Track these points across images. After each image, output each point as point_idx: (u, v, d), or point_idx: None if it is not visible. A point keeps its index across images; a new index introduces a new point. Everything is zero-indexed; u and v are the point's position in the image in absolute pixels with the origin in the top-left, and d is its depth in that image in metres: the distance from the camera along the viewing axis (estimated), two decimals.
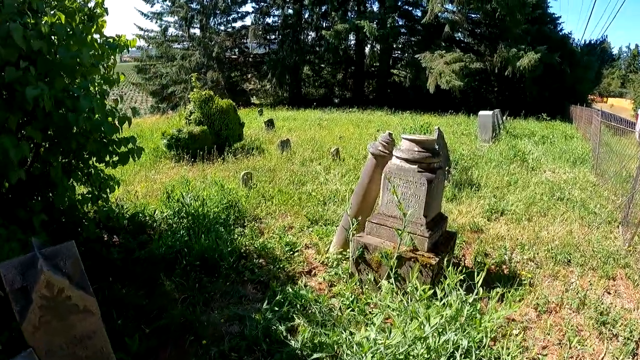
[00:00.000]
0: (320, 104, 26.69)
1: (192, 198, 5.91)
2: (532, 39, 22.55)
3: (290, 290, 3.89)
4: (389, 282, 3.53)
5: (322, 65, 33.87)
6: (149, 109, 35.31)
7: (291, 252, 5.01)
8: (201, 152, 9.61)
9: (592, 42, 27.02)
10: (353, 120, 18.51)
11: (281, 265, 4.66)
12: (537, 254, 5.15)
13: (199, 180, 7.63)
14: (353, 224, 4.00)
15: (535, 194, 7.45)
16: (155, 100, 34.98)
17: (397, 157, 3.81)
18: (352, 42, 32.74)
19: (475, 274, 3.00)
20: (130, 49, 3.98)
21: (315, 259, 4.94)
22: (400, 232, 3.56)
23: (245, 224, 5.73)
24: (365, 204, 4.32)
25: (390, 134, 4.10)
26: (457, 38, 28.96)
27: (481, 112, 13.54)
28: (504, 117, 17.88)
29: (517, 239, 5.57)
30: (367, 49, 32.54)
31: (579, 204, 7.05)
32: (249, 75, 34.93)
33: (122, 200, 6.23)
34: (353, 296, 3.91)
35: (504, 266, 4.89)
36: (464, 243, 5.39)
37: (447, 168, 7.82)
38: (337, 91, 34.11)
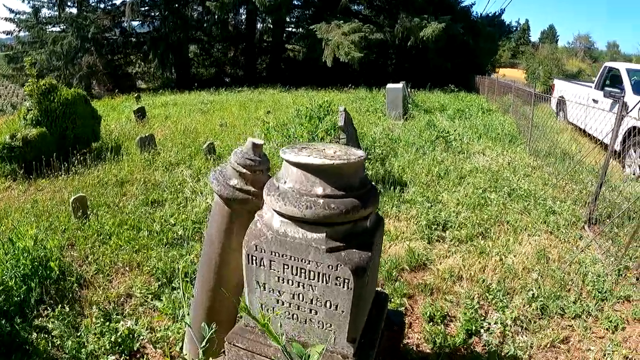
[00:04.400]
0: (211, 84, 23.66)
1: None
2: (434, 9, 21.43)
3: None
4: None
5: (212, 43, 30.60)
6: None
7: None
8: (38, 163, 6.80)
9: (491, 14, 26.90)
10: (242, 101, 15.87)
11: None
12: (522, 306, 3.28)
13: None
14: (206, 334, 1.73)
15: (477, 189, 5.70)
16: None
17: (277, 212, 1.56)
18: (244, 16, 29.81)
19: None
20: None
21: None
22: None
23: (57, 302, 3.21)
24: (222, 297, 2.02)
25: (256, 145, 1.81)
26: (354, 10, 27.26)
27: (389, 85, 11.77)
28: (409, 90, 16.47)
29: (480, 277, 3.67)
30: (258, 24, 29.77)
31: (532, 200, 5.44)
32: (133, 58, 30.66)
33: None
34: None
35: (476, 339, 2.96)
36: (405, 298, 3.35)
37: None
38: (228, 70, 30.99)
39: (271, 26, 28.91)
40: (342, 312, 1.53)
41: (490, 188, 5.80)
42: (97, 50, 27.37)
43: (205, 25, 27.72)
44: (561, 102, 11.28)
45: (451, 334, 2.96)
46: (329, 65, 21.51)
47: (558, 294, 3.47)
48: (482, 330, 3.00)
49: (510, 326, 3.07)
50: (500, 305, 3.27)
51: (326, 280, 1.51)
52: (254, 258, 1.64)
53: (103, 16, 27.94)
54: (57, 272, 3.51)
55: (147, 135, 7.74)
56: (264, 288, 1.66)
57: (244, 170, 1.82)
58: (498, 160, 7.23)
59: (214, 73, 30.46)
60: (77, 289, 3.44)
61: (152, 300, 3.33)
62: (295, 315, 1.64)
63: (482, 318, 3.15)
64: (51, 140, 7.55)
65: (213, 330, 1.75)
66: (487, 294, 3.42)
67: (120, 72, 29.64)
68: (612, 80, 9.12)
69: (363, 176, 1.60)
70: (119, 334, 2.83)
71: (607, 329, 3.17)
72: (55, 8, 27.53)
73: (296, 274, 1.57)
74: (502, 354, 2.81)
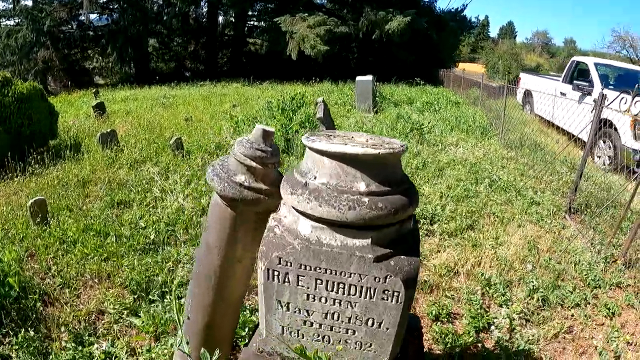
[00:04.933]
0: (171, 78, 22.92)
1: None
2: (399, 3, 21.44)
3: None
4: None
5: (172, 37, 29.62)
6: None
7: None
8: None
9: (453, 10, 27.30)
10: (205, 95, 15.34)
11: None
12: (523, 299, 3.22)
13: None
14: None
15: (458, 182, 5.62)
16: None
17: (305, 214, 1.33)
18: (205, 9, 28.98)
19: None
20: None
21: None
22: None
23: (20, 325, 2.79)
24: (222, 312, 1.76)
25: (267, 133, 1.53)
26: (317, 3, 26.99)
27: (359, 78, 11.64)
28: (375, 83, 16.38)
29: (477, 270, 3.58)
30: (220, 17, 29.06)
31: (513, 191, 5.43)
32: (90, 52, 29.16)
33: None
34: None
35: (484, 336, 2.85)
36: None
37: None
38: (188, 64, 30.13)
39: (233, 19, 28.22)
40: (387, 329, 1.31)
41: (471, 180, 5.75)
42: (53, 44, 25.86)
43: (165, 18, 26.77)
44: (527, 95, 11.46)
45: (459, 332, 2.83)
46: (293, 59, 21.18)
47: (556, 284, 3.43)
48: (492, 327, 2.88)
49: (516, 320, 2.99)
50: (502, 299, 3.18)
51: (370, 294, 1.29)
52: (277, 273, 1.36)
53: (60, 8, 26.41)
54: (17, 289, 3.07)
55: (108, 131, 7.24)
56: (288, 308, 1.42)
57: (254, 164, 1.51)
58: (474, 152, 7.21)
59: (174, 67, 29.53)
60: (41, 308, 3.03)
61: (128, 316, 2.95)
62: (326, 337, 1.41)
63: (486, 313, 3.04)
64: (5, 139, 6.96)
65: (217, 356, 1.49)
66: (487, 288, 3.32)
67: (77, 67, 28.14)
68: (579, 73, 9.32)
69: (400, 170, 1.38)
70: (94, 356, 2.48)
71: (605, 316, 3.19)
72: (10, 0, 25.90)
73: (332, 290, 1.33)
74: (513, 349, 2.71)
